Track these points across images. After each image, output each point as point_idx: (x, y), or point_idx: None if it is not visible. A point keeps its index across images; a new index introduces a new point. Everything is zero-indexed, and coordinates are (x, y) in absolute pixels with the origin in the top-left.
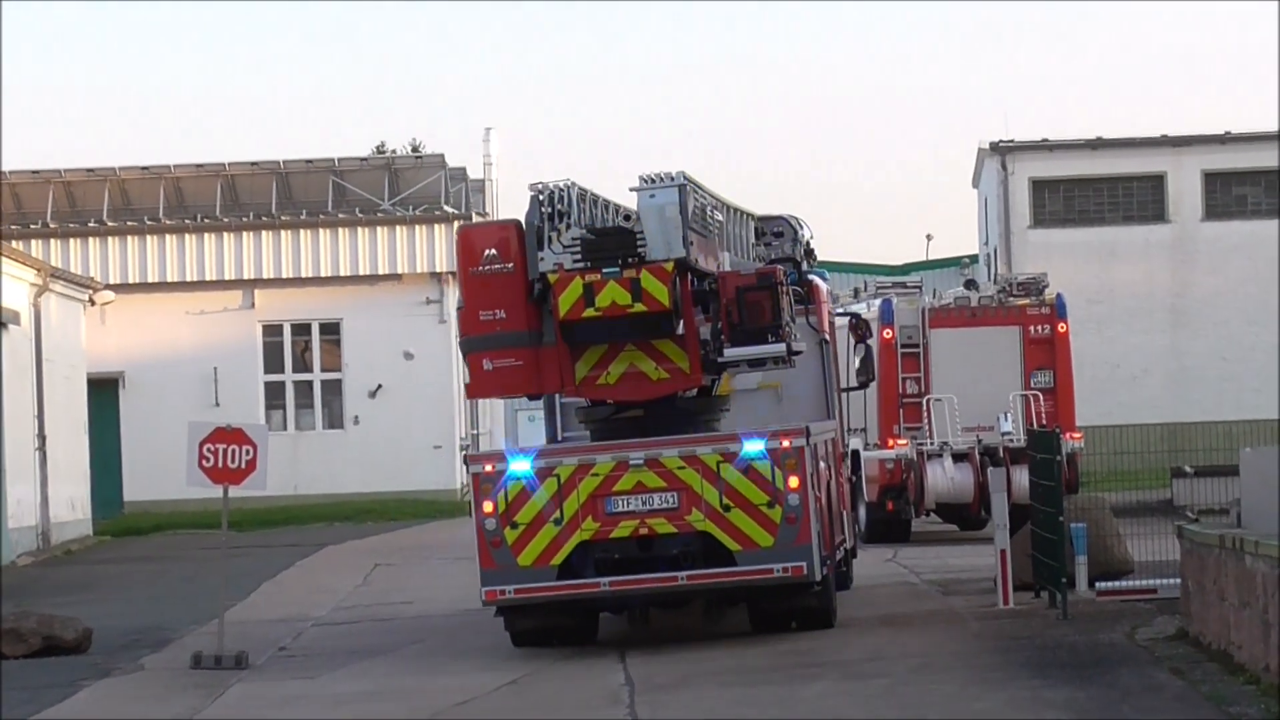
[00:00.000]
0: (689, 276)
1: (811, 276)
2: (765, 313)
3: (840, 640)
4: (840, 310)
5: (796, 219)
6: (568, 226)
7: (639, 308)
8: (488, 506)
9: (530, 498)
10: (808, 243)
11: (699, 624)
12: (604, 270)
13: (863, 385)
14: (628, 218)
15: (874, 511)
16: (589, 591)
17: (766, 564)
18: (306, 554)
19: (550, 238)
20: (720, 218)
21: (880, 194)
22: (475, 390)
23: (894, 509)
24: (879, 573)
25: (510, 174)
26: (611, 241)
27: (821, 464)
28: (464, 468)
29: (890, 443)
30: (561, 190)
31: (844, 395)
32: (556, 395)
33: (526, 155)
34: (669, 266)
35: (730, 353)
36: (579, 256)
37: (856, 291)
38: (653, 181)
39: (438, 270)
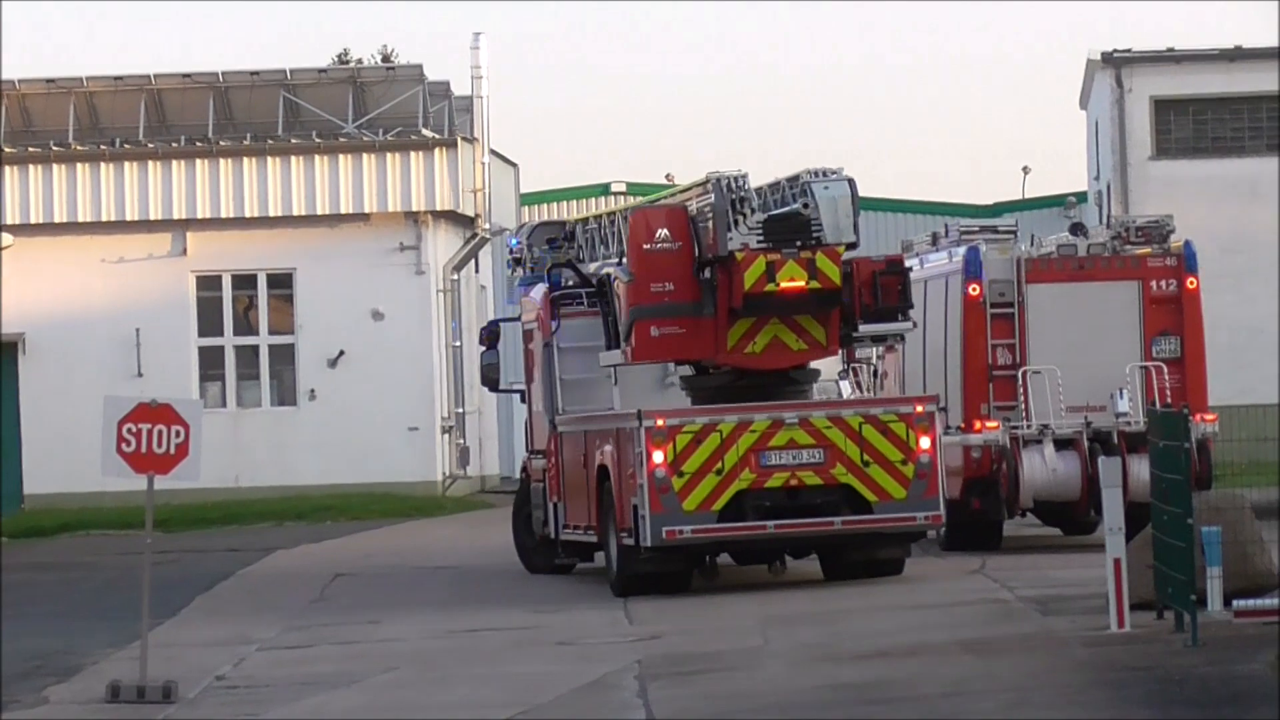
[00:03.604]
0: None
1: None
2: (895, 294)
3: (913, 670)
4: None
5: None
6: (752, 211)
7: (814, 285)
8: (658, 457)
9: (696, 450)
10: None
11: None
12: (784, 250)
13: None
14: (798, 196)
15: (956, 511)
16: (756, 533)
17: (908, 513)
18: (250, 561)
19: (736, 220)
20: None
21: (966, 118)
22: (639, 355)
23: (981, 508)
24: (962, 587)
25: (503, 90)
26: (791, 225)
27: None
28: (449, 452)
29: (977, 425)
30: (739, 178)
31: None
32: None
33: (522, 67)
34: (841, 249)
35: (865, 329)
36: (762, 238)
37: (935, 238)
38: (823, 174)
39: (414, 209)
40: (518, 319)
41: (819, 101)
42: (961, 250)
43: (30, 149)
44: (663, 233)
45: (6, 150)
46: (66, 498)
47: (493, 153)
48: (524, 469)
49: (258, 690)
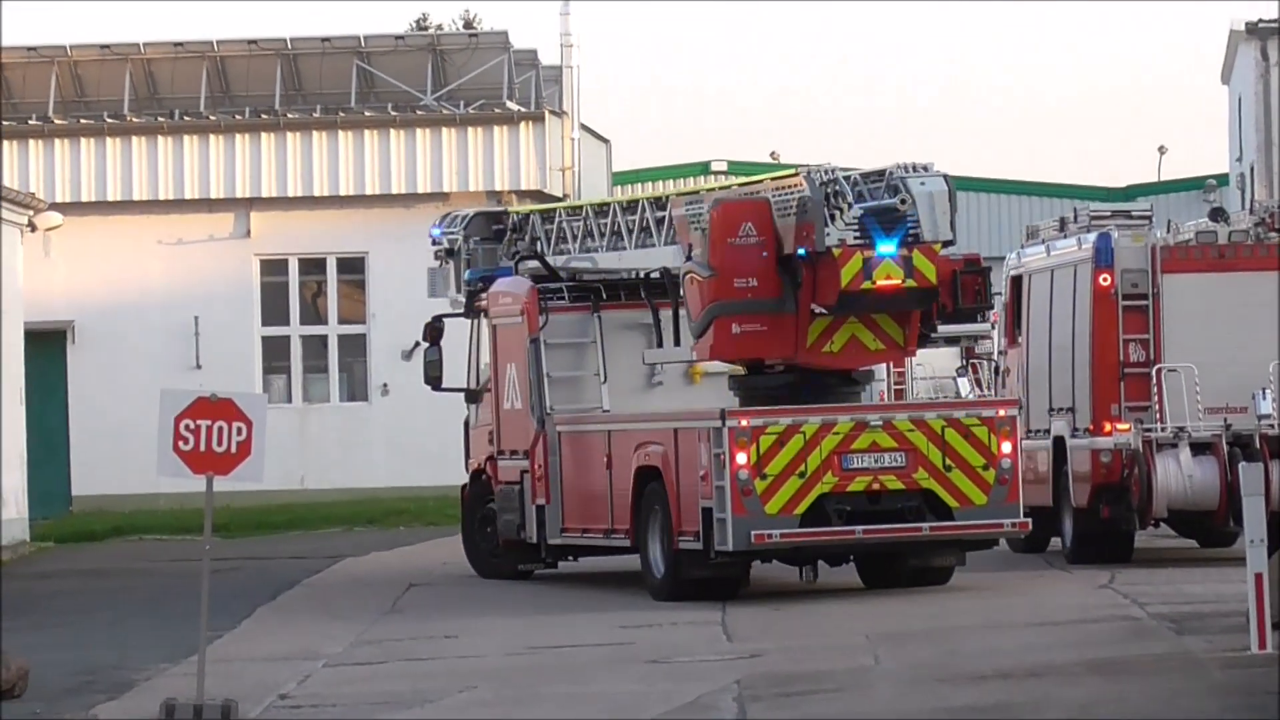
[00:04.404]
0: None
1: None
2: (973, 294)
3: (1036, 693)
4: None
5: None
6: (848, 205)
7: (910, 284)
8: (741, 459)
9: (780, 452)
10: None
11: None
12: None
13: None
14: (884, 192)
15: (1084, 520)
16: (844, 538)
17: (993, 519)
18: (317, 569)
19: (832, 215)
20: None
21: (1098, 94)
22: (717, 352)
23: (1111, 517)
24: (1089, 603)
25: (595, 60)
26: (888, 221)
27: None
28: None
29: (1107, 428)
30: (829, 170)
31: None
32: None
33: (615, 35)
34: (938, 247)
35: (944, 329)
36: (859, 234)
37: (1063, 223)
38: (915, 169)
39: (497, 188)
40: (462, 314)
41: (941, 77)
42: (1092, 237)
43: (82, 120)
44: (747, 227)
45: (57, 121)
46: (118, 499)
47: (583, 128)
48: (479, 471)
49: (324, 710)
